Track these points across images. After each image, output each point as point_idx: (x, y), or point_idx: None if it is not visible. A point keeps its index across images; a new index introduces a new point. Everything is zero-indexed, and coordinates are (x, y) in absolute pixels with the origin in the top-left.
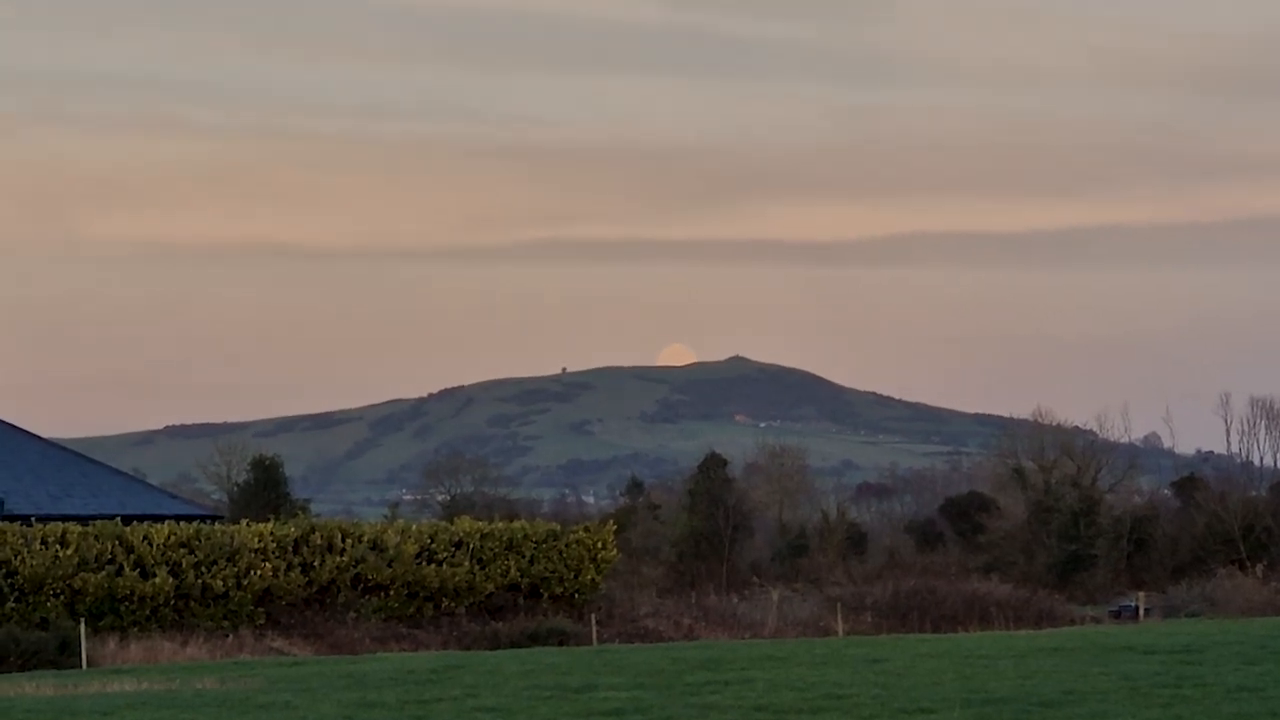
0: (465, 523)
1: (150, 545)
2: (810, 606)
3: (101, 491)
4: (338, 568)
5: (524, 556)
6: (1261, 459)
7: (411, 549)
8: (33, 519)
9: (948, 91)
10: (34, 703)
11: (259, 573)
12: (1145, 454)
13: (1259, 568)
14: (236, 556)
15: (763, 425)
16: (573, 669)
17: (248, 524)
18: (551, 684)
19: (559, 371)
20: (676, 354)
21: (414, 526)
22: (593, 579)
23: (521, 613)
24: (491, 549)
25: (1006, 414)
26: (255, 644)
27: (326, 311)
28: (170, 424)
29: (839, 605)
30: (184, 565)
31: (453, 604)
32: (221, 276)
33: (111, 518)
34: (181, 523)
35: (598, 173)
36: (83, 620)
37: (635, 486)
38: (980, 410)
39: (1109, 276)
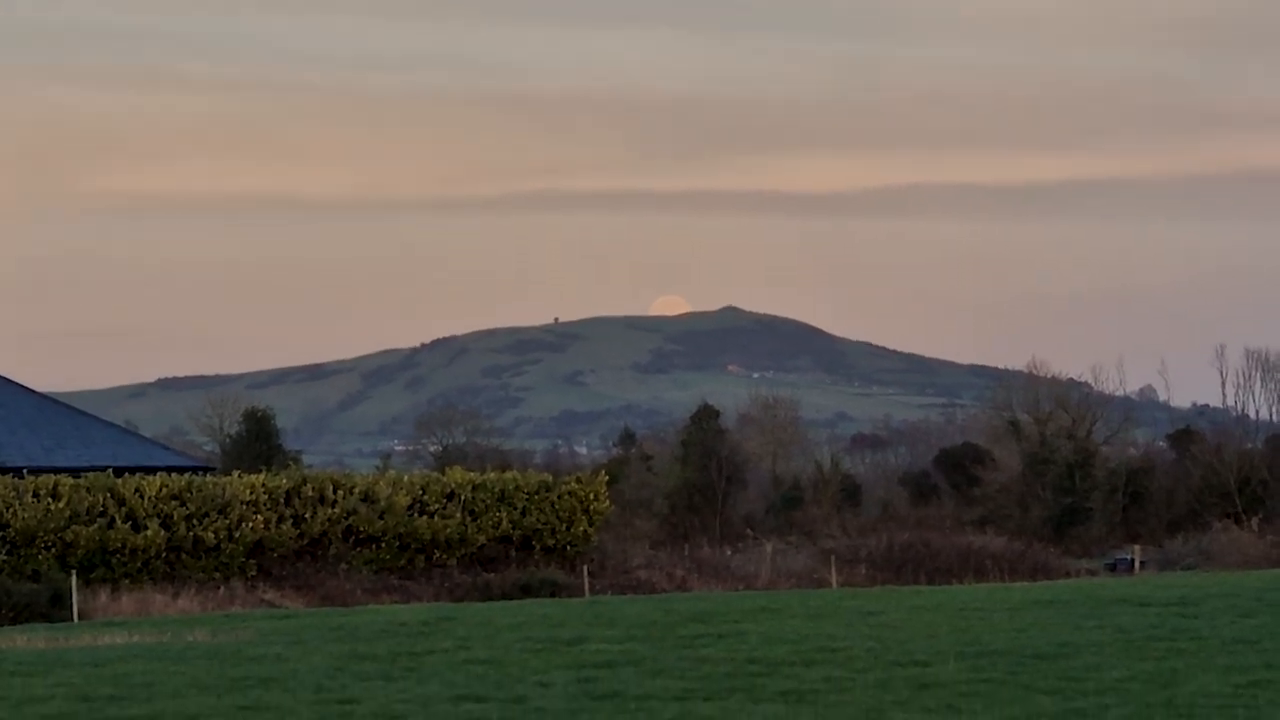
0: (457, 474)
1: (142, 497)
2: (804, 559)
3: (94, 444)
4: (329, 519)
5: (516, 508)
6: (1257, 412)
7: (403, 500)
8: (25, 471)
9: (946, 44)
10: (25, 655)
11: (250, 525)
12: (1140, 407)
13: (1255, 521)
14: (228, 509)
15: (756, 376)
16: (565, 621)
17: (239, 476)
18: (543, 636)
19: (551, 322)
20: (670, 304)
21: (406, 478)
22: (585, 530)
23: (513, 564)
24: (483, 500)
25: (1001, 366)
26: (247, 596)
27: (319, 263)
28: (162, 376)
29: (833, 558)
30: (175, 517)
31: (444, 556)
32: (215, 229)
33: (103, 470)
34: (173, 475)
35: (593, 124)
36: (74, 573)
37: (628, 437)
38: (975, 362)
39: (1105, 229)
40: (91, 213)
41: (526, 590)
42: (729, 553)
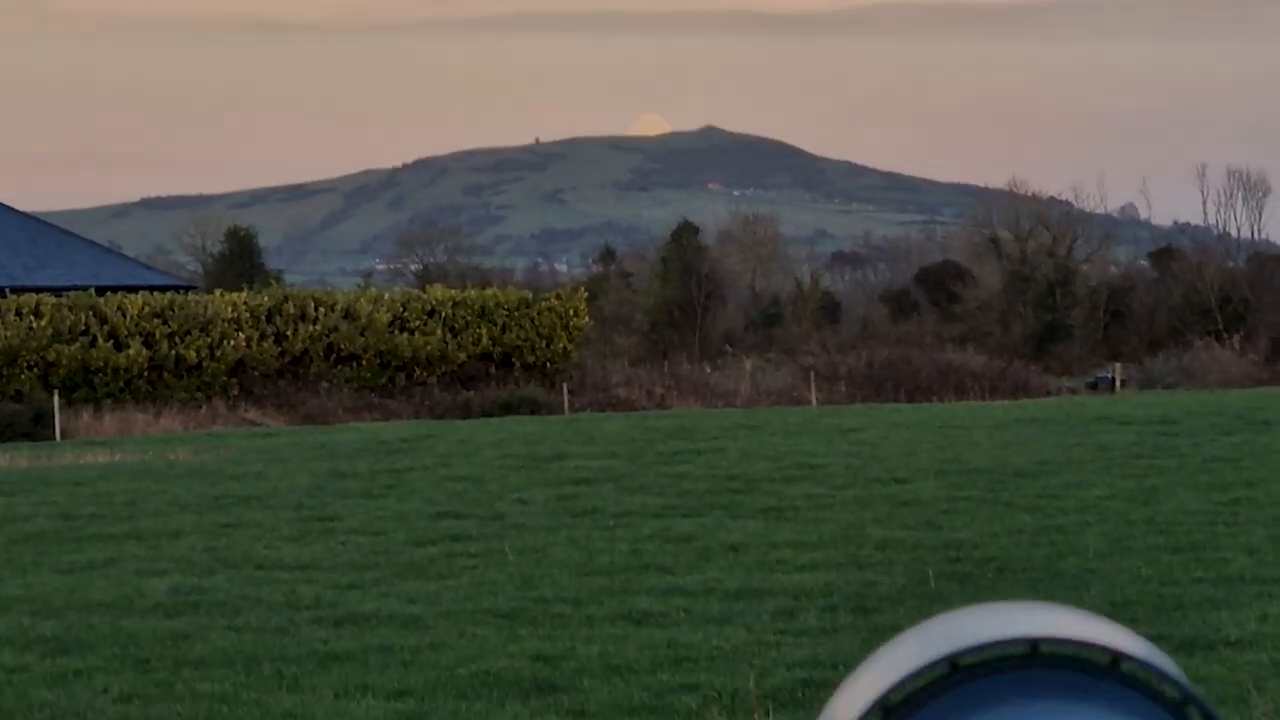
0: (438, 291)
1: (124, 316)
2: (783, 376)
3: (76, 263)
4: (310, 337)
5: (496, 325)
6: (1239, 230)
7: (384, 318)
8: (7, 290)
9: None
10: (8, 474)
11: (232, 343)
12: (1121, 225)
13: (1236, 339)
14: (210, 327)
15: (736, 194)
16: (544, 438)
17: (221, 294)
18: (523, 453)
19: (532, 141)
20: (650, 123)
21: (387, 295)
22: (565, 347)
23: (493, 382)
24: (464, 317)
25: (982, 184)
26: (228, 415)
27: (301, 83)
28: (146, 196)
29: (812, 375)
30: (157, 336)
31: (425, 373)
32: (199, 49)
33: (86, 289)
34: (155, 293)
35: None
36: (56, 392)
37: (608, 255)
38: (955, 179)
39: (1087, 48)
40: (76, 34)
41: (506, 408)
42: (708, 370)
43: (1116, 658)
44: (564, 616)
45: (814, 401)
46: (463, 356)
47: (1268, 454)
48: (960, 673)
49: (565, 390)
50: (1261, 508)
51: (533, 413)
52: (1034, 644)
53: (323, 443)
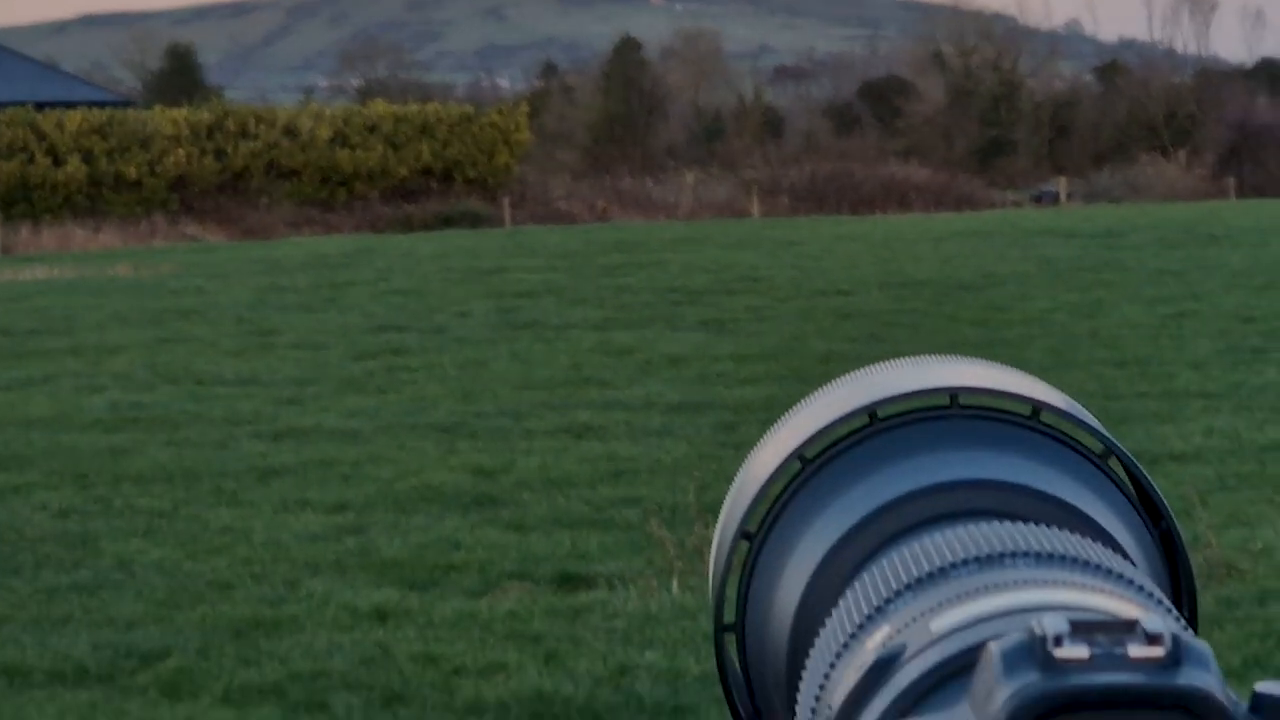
0: (379, 106)
1: (62, 132)
2: (725, 189)
3: (14, 79)
4: (251, 153)
5: (438, 140)
6: (1185, 46)
7: (325, 133)
8: None
9: None
10: None
11: (172, 159)
12: (1067, 40)
13: (1181, 154)
14: (150, 143)
15: (679, 8)
16: (485, 251)
17: (161, 110)
18: (464, 266)
19: None
20: None
21: (328, 111)
22: (506, 162)
23: (434, 197)
24: (405, 132)
25: None
26: (169, 230)
27: None
28: (84, 12)
29: (754, 188)
30: (96, 152)
31: (366, 188)
32: None
33: (24, 105)
34: (94, 109)
35: None
36: None
37: (549, 70)
38: None
39: None
40: None
41: (447, 222)
42: (650, 184)
43: (1037, 408)
44: (504, 430)
45: (756, 214)
46: (404, 171)
47: (1213, 267)
48: (878, 423)
49: (506, 204)
50: (1206, 321)
51: (474, 227)
52: (953, 394)
53: (263, 257)
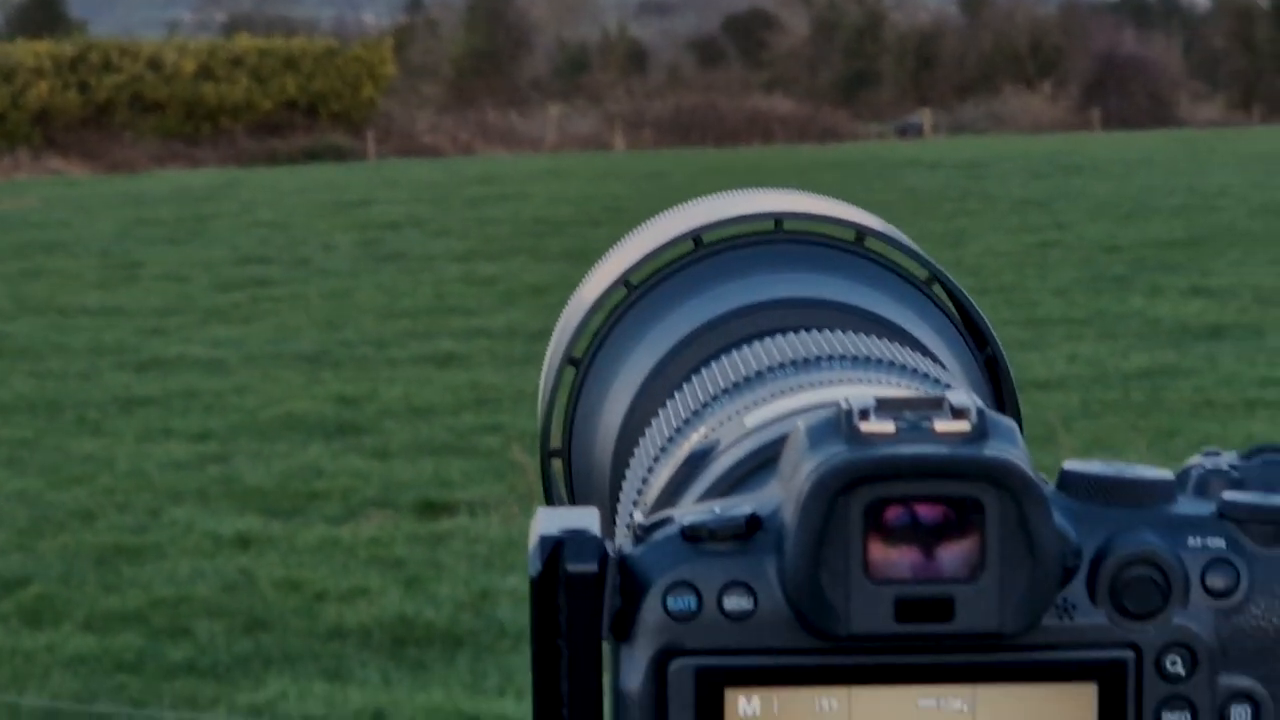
0: (243, 40)
1: None
2: (590, 123)
3: None
4: (115, 87)
5: (302, 73)
6: None
7: (189, 67)
8: None
9: None
10: None
11: (35, 92)
12: None
13: (1047, 85)
14: (12, 76)
15: None
16: (350, 184)
17: (23, 43)
18: (328, 199)
19: None
20: None
21: (192, 45)
22: (371, 96)
23: (299, 130)
24: (269, 66)
25: None
26: (32, 165)
27: None
28: None
29: (618, 121)
30: None
31: (231, 122)
32: None
33: None
34: None
35: None
36: None
37: (414, 4)
38: None
39: None
40: None
41: (312, 155)
42: (515, 117)
43: (861, 233)
44: (367, 359)
45: (620, 148)
46: (268, 105)
47: (1078, 196)
48: (703, 248)
49: (371, 138)
50: (1071, 250)
51: (339, 160)
52: (778, 219)
53: (128, 191)
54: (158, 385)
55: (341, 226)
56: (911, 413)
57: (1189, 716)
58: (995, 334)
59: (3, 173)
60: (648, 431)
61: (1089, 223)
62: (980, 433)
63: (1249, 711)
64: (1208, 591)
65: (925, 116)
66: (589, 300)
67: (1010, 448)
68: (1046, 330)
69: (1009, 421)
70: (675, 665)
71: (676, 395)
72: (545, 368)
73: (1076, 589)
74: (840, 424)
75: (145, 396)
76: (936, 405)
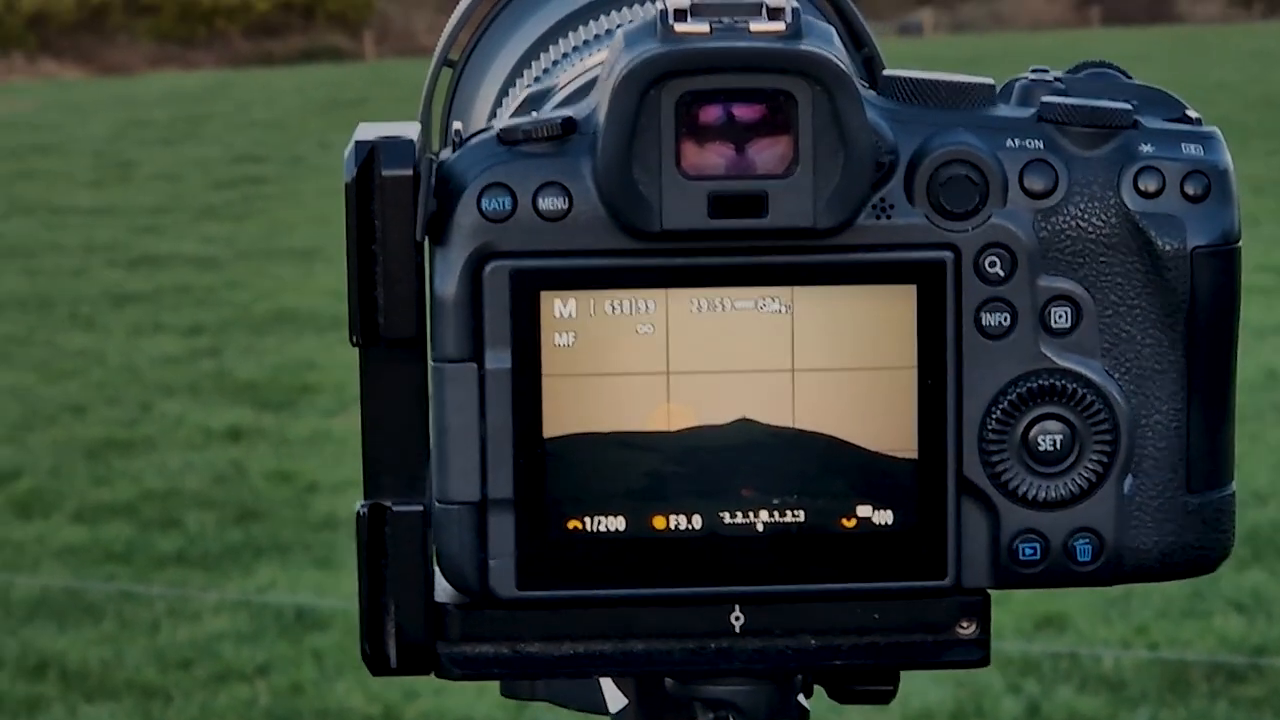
0: None
1: None
2: None
3: None
4: None
5: None
6: None
7: None
8: None
9: None
10: None
11: None
12: None
13: None
14: None
15: None
16: (346, 85)
17: None
18: (325, 99)
19: None
20: None
21: None
22: None
23: (295, 32)
24: None
25: None
26: (27, 68)
27: None
28: None
29: None
30: None
31: (226, 24)
32: None
33: None
34: None
35: None
36: None
37: None
38: None
39: None
40: None
41: (309, 57)
42: None
43: None
44: None
45: None
46: (264, 6)
47: None
48: None
49: (369, 39)
50: None
51: (336, 61)
52: None
53: (123, 94)
54: (149, 281)
55: (337, 126)
56: (728, 17)
57: (1008, 318)
58: (873, 39)
59: None
60: (504, 101)
61: None
62: (795, 32)
63: (1069, 313)
64: (1026, 192)
65: (926, 15)
66: (461, 11)
67: (826, 45)
68: None
69: (826, 25)
70: (490, 268)
71: (533, 64)
72: (428, 74)
73: (894, 189)
74: (655, 25)
75: (137, 292)
76: (755, 11)
